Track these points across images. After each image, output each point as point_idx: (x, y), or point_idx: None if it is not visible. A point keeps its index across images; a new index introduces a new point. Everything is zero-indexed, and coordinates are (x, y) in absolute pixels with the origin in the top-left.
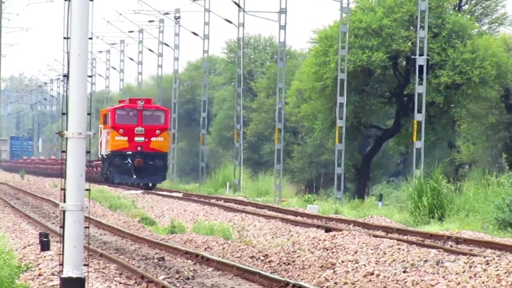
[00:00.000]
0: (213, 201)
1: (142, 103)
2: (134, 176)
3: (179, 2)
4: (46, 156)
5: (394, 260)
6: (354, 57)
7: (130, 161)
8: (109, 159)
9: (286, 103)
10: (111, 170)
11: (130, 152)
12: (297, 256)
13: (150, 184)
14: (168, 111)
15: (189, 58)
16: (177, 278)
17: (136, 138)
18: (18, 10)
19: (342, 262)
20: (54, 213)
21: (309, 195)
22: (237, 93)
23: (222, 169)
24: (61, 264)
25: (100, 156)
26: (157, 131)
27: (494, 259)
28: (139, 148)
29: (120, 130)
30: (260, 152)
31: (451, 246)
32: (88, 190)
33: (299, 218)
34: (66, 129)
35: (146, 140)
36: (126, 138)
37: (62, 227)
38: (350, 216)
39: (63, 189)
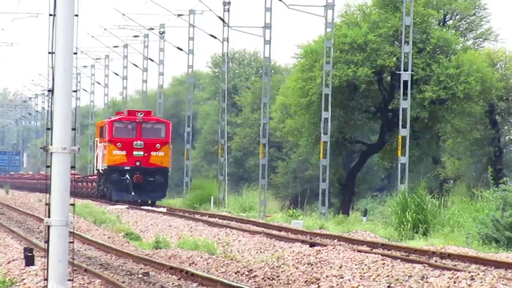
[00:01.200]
0: (197, 216)
1: (142, 115)
2: (133, 193)
3: (164, 17)
4: (34, 172)
5: (378, 275)
6: (339, 72)
7: (128, 177)
8: (106, 174)
9: (271, 118)
10: (108, 186)
11: (129, 168)
12: (282, 271)
13: (150, 202)
14: (169, 124)
15: (174, 73)
16: None
17: (135, 153)
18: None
19: (327, 277)
20: (38, 228)
21: (294, 210)
22: (221, 108)
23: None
24: (46, 279)
25: (96, 171)
26: (157, 145)
27: (478, 274)
28: (138, 163)
29: (118, 143)
30: (244, 167)
31: (435, 261)
32: (73, 205)
33: (283, 233)
34: (51, 144)
35: (146, 154)
36: (124, 153)
37: (47, 242)
38: (334, 231)
39: (48, 204)
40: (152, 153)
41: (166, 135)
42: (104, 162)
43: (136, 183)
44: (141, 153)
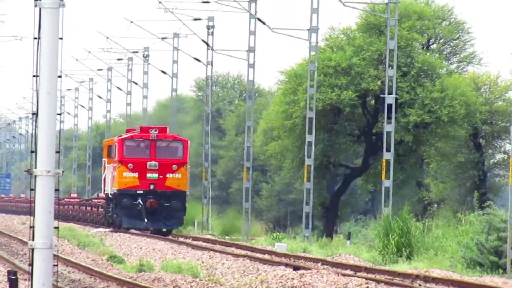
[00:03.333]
0: (181, 239)
1: (156, 132)
2: (146, 220)
3: (148, 40)
4: (16, 195)
5: None
6: (323, 95)
7: (141, 202)
8: (116, 199)
9: (254, 143)
10: (118, 212)
11: (142, 191)
12: None
13: (165, 230)
14: (187, 142)
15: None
16: None
17: (149, 175)
18: None
19: None
20: (22, 250)
21: (278, 233)
22: (205, 131)
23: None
24: None
25: (104, 195)
26: (173, 166)
27: None
28: (152, 187)
29: (129, 164)
30: (228, 190)
31: (419, 285)
32: (57, 228)
33: (267, 257)
34: (35, 167)
35: (161, 176)
36: (136, 175)
37: (31, 265)
38: (318, 255)
39: (32, 227)
40: (168, 175)
41: (183, 155)
42: (114, 185)
43: (150, 209)
44: (156, 175)
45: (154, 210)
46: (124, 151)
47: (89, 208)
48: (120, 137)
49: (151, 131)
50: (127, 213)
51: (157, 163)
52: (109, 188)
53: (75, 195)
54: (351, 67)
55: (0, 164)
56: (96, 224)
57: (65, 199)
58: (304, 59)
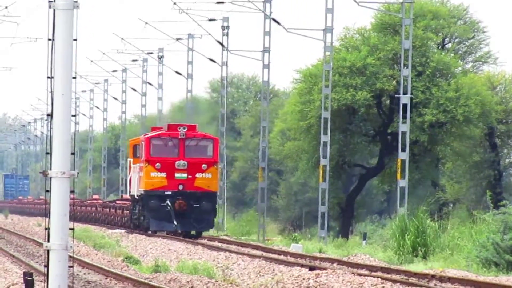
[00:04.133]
0: (196, 240)
1: (185, 130)
2: (175, 223)
3: (163, 41)
4: (34, 196)
5: None
6: (338, 95)
7: (169, 204)
8: (143, 200)
9: (270, 144)
10: (145, 214)
11: (170, 192)
12: None
13: (194, 232)
14: (217, 140)
15: (172, 97)
16: None
17: (177, 175)
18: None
19: None
20: (38, 252)
21: (295, 234)
22: (220, 132)
23: None
24: None
25: (129, 197)
26: (203, 165)
27: None
28: (180, 187)
29: (157, 164)
30: (243, 190)
31: (435, 284)
32: (72, 229)
33: (282, 257)
34: (50, 169)
35: (190, 177)
36: (164, 175)
37: (46, 266)
38: (334, 255)
39: (47, 229)
40: (197, 175)
41: (213, 154)
42: (140, 186)
43: (179, 210)
44: (185, 175)
45: (183, 212)
46: (151, 150)
47: (113, 210)
48: (146, 136)
49: (179, 129)
50: (155, 215)
51: (186, 163)
52: (135, 189)
53: (97, 196)
54: (365, 67)
55: (15, 165)
56: (121, 227)
57: (88, 201)
58: (319, 59)
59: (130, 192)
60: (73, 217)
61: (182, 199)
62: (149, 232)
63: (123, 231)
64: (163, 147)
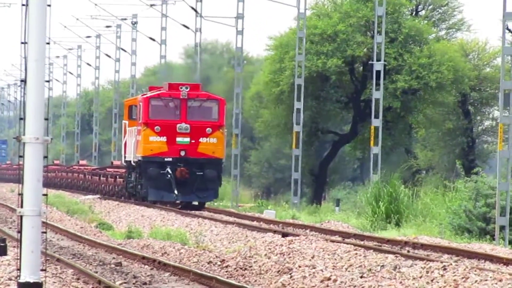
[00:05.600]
0: (170, 206)
1: (187, 90)
2: (176, 192)
3: (136, 7)
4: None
5: (351, 265)
6: (309, 63)
7: (170, 171)
8: (140, 167)
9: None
10: (142, 183)
11: (171, 159)
12: (254, 261)
13: (197, 203)
14: (223, 102)
15: (146, 63)
16: (134, 283)
17: (179, 139)
18: None
19: (299, 267)
20: (11, 218)
21: (263, 200)
22: None
23: None
24: (18, 269)
25: (124, 163)
26: (207, 129)
27: (451, 264)
28: (182, 153)
29: (156, 127)
30: None
31: (408, 251)
32: (46, 195)
33: (255, 223)
34: (24, 134)
35: (193, 141)
36: (164, 139)
37: (20, 232)
38: (307, 221)
39: (20, 194)
40: (201, 139)
41: (219, 116)
42: (138, 151)
43: (180, 178)
44: (187, 139)
45: (185, 181)
46: (150, 112)
47: (103, 178)
48: (145, 96)
49: (181, 88)
50: (153, 184)
51: (188, 126)
52: (132, 154)
53: (84, 162)
54: (337, 34)
55: None
56: (113, 197)
57: (74, 167)
58: (291, 28)
59: (125, 157)
60: (58, 184)
61: (184, 166)
62: (147, 201)
63: (96, 196)
64: (163, 108)
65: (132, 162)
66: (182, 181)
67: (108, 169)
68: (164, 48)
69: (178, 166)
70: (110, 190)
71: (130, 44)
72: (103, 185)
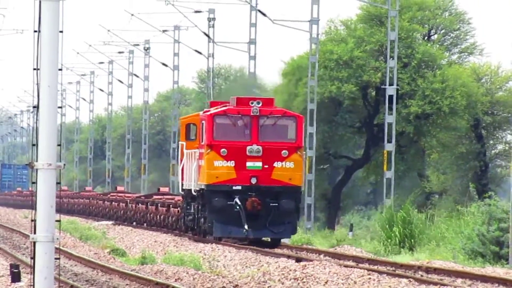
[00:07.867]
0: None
1: (259, 105)
2: (246, 227)
3: (149, 33)
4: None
5: None
6: (322, 89)
7: (239, 202)
8: (203, 197)
9: None
10: (206, 216)
11: (240, 187)
12: (268, 287)
13: (269, 239)
14: (301, 119)
15: (159, 88)
16: None
17: (249, 164)
18: None
19: None
20: (24, 244)
21: None
22: None
23: None
24: None
25: (181, 192)
26: (283, 151)
27: None
28: (254, 181)
29: (222, 150)
30: None
31: (421, 275)
32: (59, 221)
33: (269, 248)
34: (36, 160)
35: (266, 166)
36: (232, 164)
37: (33, 258)
38: (320, 246)
39: (34, 220)
40: (275, 164)
41: (297, 137)
42: (200, 179)
43: (251, 211)
44: (259, 164)
45: (257, 213)
46: (215, 132)
47: (152, 207)
48: (208, 113)
49: (252, 103)
50: (219, 217)
51: (260, 148)
52: (192, 182)
53: (122, 188)
54: (352, 60)
55: (1, 157)
56: (163, 229)
57: (111, 195)
58: (305, 52)
59: (182, 185)
60: (93, 213)
61: (256, 196)
62: (212, 237)
63: (109, 222)
64: (230, 128)
65: (192, 191)
66: (253, 214)
67: (156, 197)
68: (177, 74)
69: (249, 195)
70: (161, 221)
71: (142, 69)
72: (151, 215)
